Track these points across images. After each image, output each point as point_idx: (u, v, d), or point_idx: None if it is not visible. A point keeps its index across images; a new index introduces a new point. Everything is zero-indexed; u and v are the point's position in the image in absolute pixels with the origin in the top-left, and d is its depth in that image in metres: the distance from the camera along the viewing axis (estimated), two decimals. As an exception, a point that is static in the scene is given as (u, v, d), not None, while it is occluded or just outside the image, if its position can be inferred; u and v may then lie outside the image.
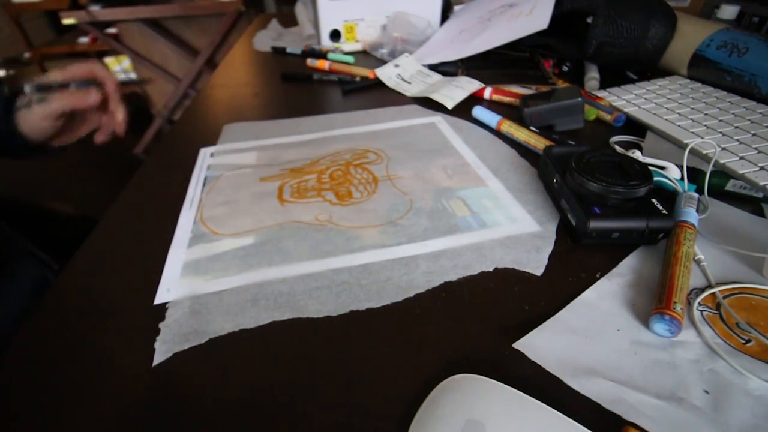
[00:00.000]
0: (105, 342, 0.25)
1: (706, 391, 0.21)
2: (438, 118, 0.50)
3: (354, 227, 0.33)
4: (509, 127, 0.45)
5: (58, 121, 0.45)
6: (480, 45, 0.60)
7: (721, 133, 0.39)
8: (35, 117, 0.44)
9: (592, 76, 0.56)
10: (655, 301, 0.25)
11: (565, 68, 0.63)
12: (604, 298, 0.26)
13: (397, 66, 0.63)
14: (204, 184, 0.40)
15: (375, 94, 0.59)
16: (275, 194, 0.38)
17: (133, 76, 2.01)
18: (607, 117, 0.47)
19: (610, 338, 0.24)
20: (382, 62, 0.67)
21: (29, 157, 0.50)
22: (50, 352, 0.25)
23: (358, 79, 0.63)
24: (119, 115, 0.47)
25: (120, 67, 2.28)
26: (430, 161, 0.42)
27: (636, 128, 0.45)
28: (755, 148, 0.36)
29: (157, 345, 0.25)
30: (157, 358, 0.24)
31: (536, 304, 0.26)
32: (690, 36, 0.52)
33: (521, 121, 0.46)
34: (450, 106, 0.52)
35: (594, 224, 0.29)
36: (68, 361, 0.24)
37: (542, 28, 0.54)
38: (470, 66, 0.61)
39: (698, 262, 0.29)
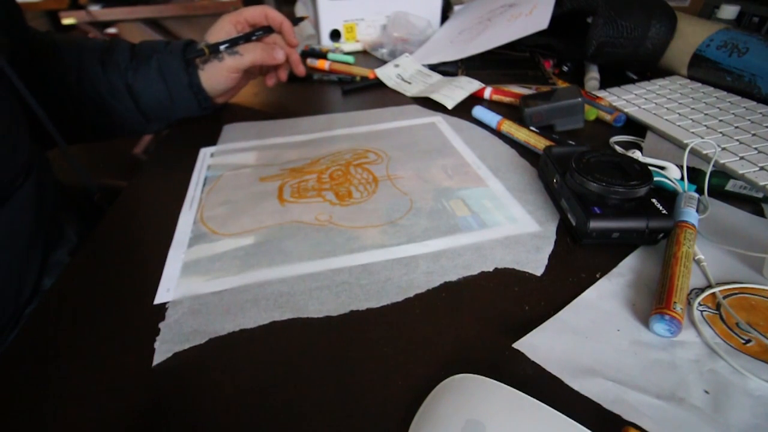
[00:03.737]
0: (105, 342, 0.25)
1: (706, 391, 0.21)
2: (438, 118, 0.50)
3: (354, 227, 0.33)
4: (509, 127, 0.45)
5: (241, 75, 0.47)
6: (480, 45, 0.60)
7: (721, 133, 0.39)
8: (225, 69, 0.45)
9: (592, 76, 0.56)
10: (655, 301, 0.25)
11: (565, 68, 0.63)
12: (604, 298, 0.26)
13: (397, 66, 0.63)
14: (204, 184, 0.40)
15: (375, 94, 0.59)
16: (275, 194, 0.38)
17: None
18: (607, 117, 0.47)
19: (610, 338, 0.24)
20: (382, 62, 0.67)
21: (188, 116, 0.50)
22: (50, 351, 0.25)
23: (358, 79, 0.63)
24: (295, 56, 0.50)
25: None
26: (430, 161, 0.42)
27: (636, 128, 0.45)
28: (755, 148, 0.36)
29: (157, 345, 0.25)
30: (157, 358, 0.24)
31: (536, 304, 0.26)
32: (690, 36, 0.52)
33: (521, 121, 0.46)
34: (450, 106, 0.52)
35: (594, 224, 0.29)
36: (68, 360, 0.24)
37: (542, 28, 0.54)
38: (470, 66, 0.61)
39: (698, 262, 0.29)
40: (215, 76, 0.45)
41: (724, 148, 0.37)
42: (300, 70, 0.51)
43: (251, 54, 0.45)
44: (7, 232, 0.34)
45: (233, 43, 0.45)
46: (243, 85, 0.53)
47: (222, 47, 0.44)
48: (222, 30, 0.47)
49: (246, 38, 0.45)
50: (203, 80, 0.46)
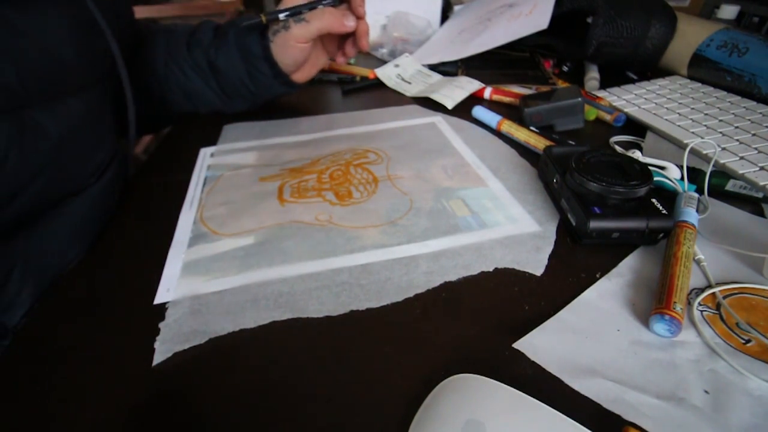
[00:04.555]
0: (105, 342, 0.25)
1: (706, 391, 0.21)
2: (438, 118, 0.50)
3: (354, 227, 0.33)
4: (509, 127, 0.45)
5: (310, 46, 0.43)
6: (480, 45, 0.60)
7: (721, 133, 0.39)
8: (293, 39, 0.42)
9: (592, 76, 0.56)
10: (655, 301, 0.25)
11: (565, 68, 0.63)
12: (604, 298, 0.26)
13: (397, 66, 0.63)
14: (204, 184, 0.40)
15: (375, 94, 0.59)
16: (275, 194, 0.38)
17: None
18: (607, 117, 0.47)
19: (610, 338, 0.24)
20: (382, 62, 0.67)
21: (272, 96, 0.49)
22: (50, 351, 0.25)
23: (358, 79, 0.63)
24: (364, 26, 0.44)
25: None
26: (430, 161, 0.42)
27: (636, 128, 0.45)
28: (755, 148, 0.36)
29: (157, 345, 0.25)
30: (157, 358, 0.24)
31: (536, 304, 0.26)
32: (690, 36, 0.52)
33: (521, 121, 0.46)
34: (450, 106, 0.52)
35: (594, 224, 0.29)
36: (68, 361, 0.24)
37: (542, 28, 0.54)
38: (470, 66, 0.61)
39: (698, 262, 0.29)
40: (284, 48, 0.43)
41: (724, 148, 0.37)
42: (363, 44, 0.45)
43: (318, 20, 0.41)
44: (69, 226, 0.33)
45: (297, 11, 0.41)
46: (319, 63, 0.49)
47: (282, 15, 0.41)
48: None
49: (311, 6, 0.42)
50: (275, 53, 0.43)
